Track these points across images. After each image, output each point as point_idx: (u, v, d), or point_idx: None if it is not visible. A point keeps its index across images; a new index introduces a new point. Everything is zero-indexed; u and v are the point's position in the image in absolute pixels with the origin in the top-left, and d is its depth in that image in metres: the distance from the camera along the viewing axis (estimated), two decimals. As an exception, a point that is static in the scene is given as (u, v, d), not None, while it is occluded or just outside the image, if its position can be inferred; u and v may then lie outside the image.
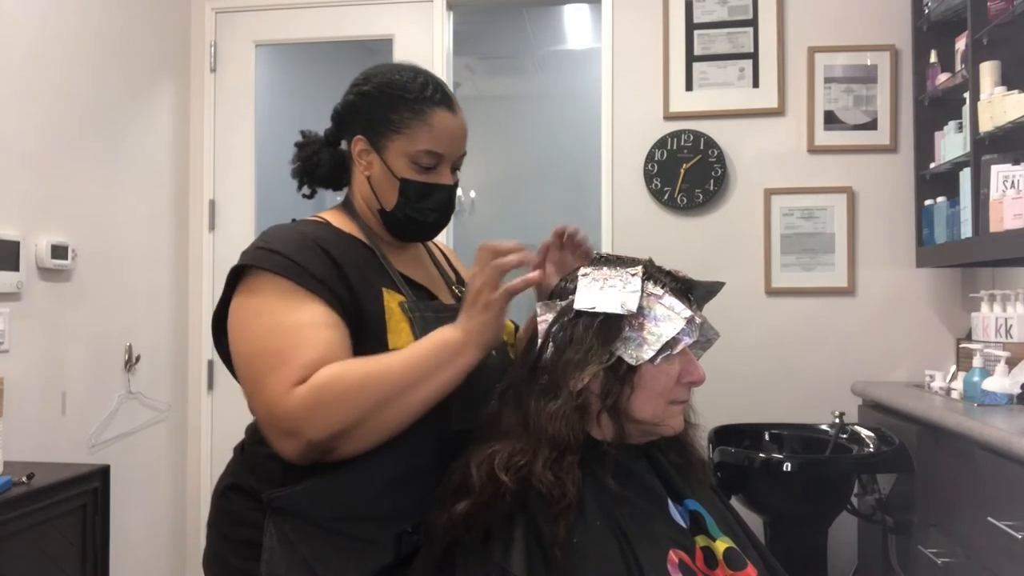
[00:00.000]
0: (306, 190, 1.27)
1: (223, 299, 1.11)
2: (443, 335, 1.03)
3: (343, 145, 1.25)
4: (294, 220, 1.20)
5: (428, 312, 1.14)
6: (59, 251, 2.25)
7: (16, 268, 2.12)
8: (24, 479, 1.75)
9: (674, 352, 1.00)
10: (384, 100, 1.15)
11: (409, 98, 1.14)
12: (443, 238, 3.03)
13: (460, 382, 1.03)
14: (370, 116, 1.17)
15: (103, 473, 1.97)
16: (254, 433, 1.15)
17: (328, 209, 1.24)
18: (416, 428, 1.05)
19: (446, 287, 1.29)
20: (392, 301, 1.12)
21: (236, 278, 1.09)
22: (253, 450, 1.14)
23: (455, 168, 1.21)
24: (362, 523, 1.06)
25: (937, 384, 2.23)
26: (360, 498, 1.06)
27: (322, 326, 1.03)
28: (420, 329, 1.10)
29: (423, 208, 1.17)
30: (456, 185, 1.22)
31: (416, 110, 1.14)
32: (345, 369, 0.99)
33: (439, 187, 1.17)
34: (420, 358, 1.01)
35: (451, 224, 2.93)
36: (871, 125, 2.67)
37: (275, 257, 1.06)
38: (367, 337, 1.07)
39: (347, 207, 1.23)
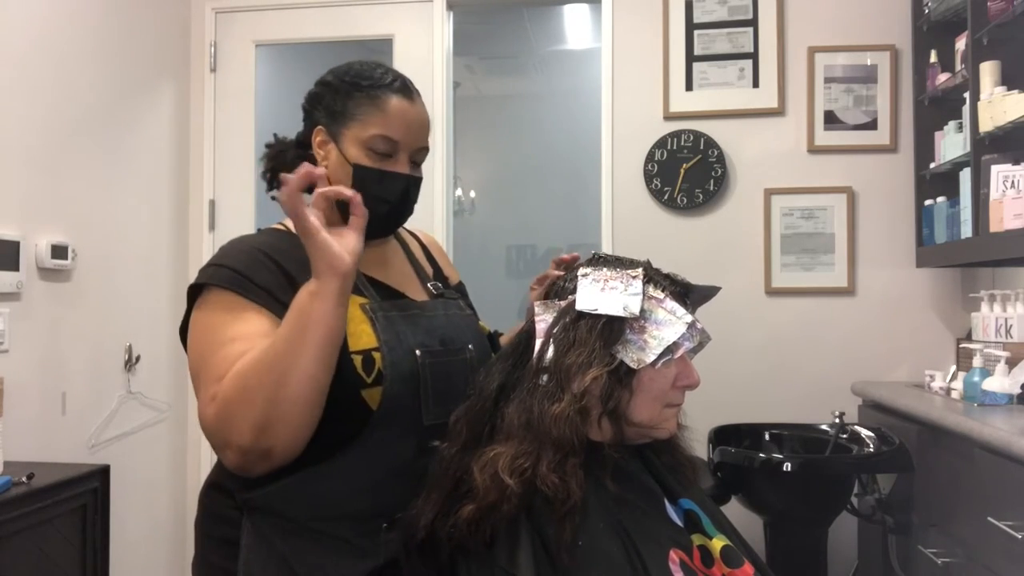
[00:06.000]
0: (276, 192, 1.26)
1: (185, 316, 1.11)
2: (302, 289, 0.99)
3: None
4: (259, 230, 1.20)
5: (393, 311, 1.12)
6: (59, 251, 2.25)
7: (16, 268, 2.11)
8: (24, 479, 1.75)
9: (675, 356, 1.00)
10: (341, 89, 1.15)
11: (364, 85, 1.13)
12: (441, 238, 3.04)
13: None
14: (329, 106, 1.16)
15: (103, 473, 1.97)
16: None
17: None
18: (388, 425, 1.05)
19: (419, 284, 1.26)
20: (354, 305, 1.09)
21: (195, 295, 1.09)
22: None
23: (416, 162, 1.18)
24: (340, 522, 1.06)
25: (937, 384, 2.23)
26: (336, 497, 1.05)
27: (256, 336, 1.01)
28: (382, 329, 1.09)
29: (376, 196, 1.11)
30: (417, 180, 1.18)
31: (371, 96, 1.13)
32: (240, 365, 0.97)
33: (393, 175, 1.13)
34: (291, 319, 0.97)
35: (451, 224, 2.96)
36: (871, 125, 2.67)
37: (222, 271, 1.07)
38: None
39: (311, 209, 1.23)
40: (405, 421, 1.07)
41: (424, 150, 1.18)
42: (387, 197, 1.14)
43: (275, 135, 1.28)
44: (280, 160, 1.24)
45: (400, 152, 1.14)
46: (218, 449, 0.99)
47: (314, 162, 1.18)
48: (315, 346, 0.96)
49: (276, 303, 1.05)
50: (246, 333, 1.02)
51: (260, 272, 1.07)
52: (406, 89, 1.15)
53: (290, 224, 1.19)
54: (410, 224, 1.30)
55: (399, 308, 1.14)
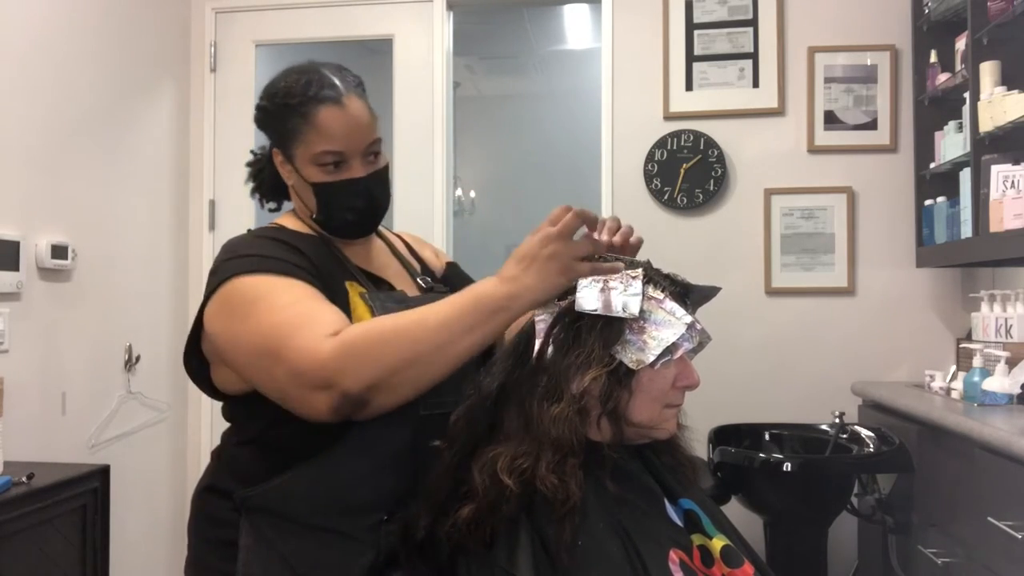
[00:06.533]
0: (271, 204, 1.29)
1: (198, 320, 1.09)
2: (484, 290, 0.97)
3: None
4: (249, 230, 1.21)
5: (390, 303, 1.12)
6: (59, 251, 2.25)
7: (16, 268, 2.11)
8: (24, 479, 1.75)
9: (674, 357, 1.00)
10: (276, 112, 1.14)
11: (294, 103, 1.11)
12: (441, 238, 3.04)
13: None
14: (274, 129, 1.17)
15: (103, 473, 1.97)
16: (230, 435, 1.17)
17: (283, 215, 1.25)
18: (384, 414, 1.04)
19: (409, 278, 1.27)
20: (354, 293, 1.12)
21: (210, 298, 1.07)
22: (229, 452, 1.16)
23: (373, 154, 1.17)
24: (340, 517, 1.06)
25: (937, 384, 2.23)
26: (335, 491, 1.06)
27: (321, 297, 1.03)
28: None
29: (340, 208, 1.15)
30: (379, 174, 1.18)
31: (302, 113, 1.11)
32: (379, 322, 0.98)
33: (350, 183, 1.14)
34: (466, 309, 0.96)
35: (451, 224, 2.96)
36: (871, 125, 2.66)
37: (245, 260, 1.06)
38: None
39: (296, 212, 1.24)
40: (401, 410, 1.07)
41: (375, 143, 1.16)
42: (352, 204, 1.16)
43: (252, 151, 1.29)
44: (259, 179, 1.26)
45: (349, 158, 1.14)
46: (312, 390, 0.95)
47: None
48: (469, 347, 0.97)
49: (308, 274, 1.06)
50: (308, 293, 1.02)
51: (279, 251, 1.08)
52: (335, 95, 1.11)
53: (284, 222, 1.21)
54: (399, 226, 1.30)
55: (394, 299, 1.15)
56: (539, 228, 0.99)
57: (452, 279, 1.34)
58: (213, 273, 1.09)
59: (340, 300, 1.09)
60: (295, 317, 0.98)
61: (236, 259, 1.07)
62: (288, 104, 1.12)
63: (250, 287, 1.03)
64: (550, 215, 0.99)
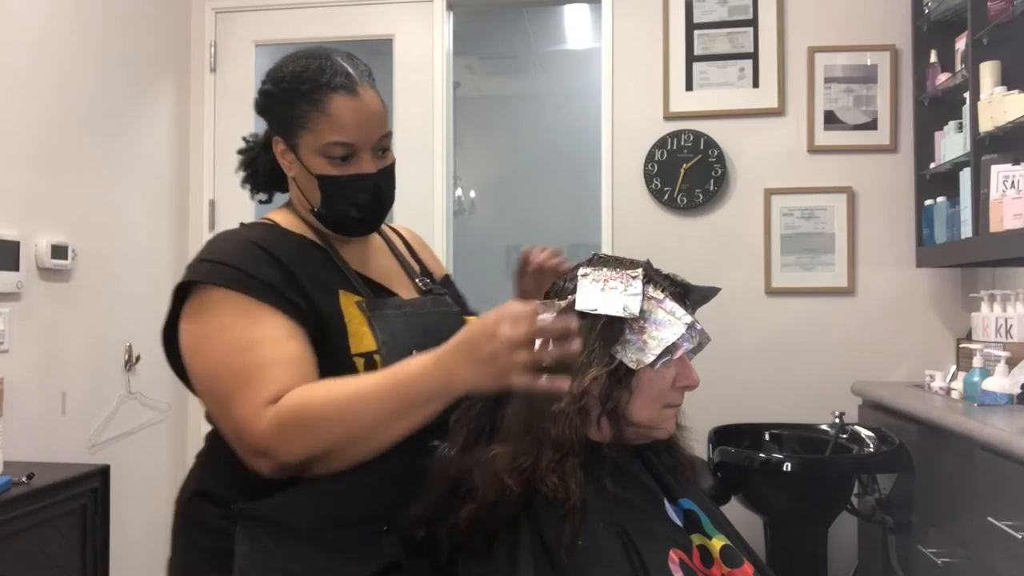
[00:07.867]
0: (262, 196, 1.24)
1: (170, 316, 1.06)
2: (418, 376, 0.93)
3: None
4: (242, 224, 1.15)
5: (388, 309, 1.10)
6: (59, 251, 2.25)
7: (16, 268, 2.12)
8: (24, 479, 1.75)
9: (674, 357, 1.00)
10: (283, 97, 1.08)
11: (304, 90, 1.06)
12: (441, 238, 3.03)
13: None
14: (277, 115, 1.11)
15: (103, 473, 1.97)
16: (217, 438, 1.12)
17: (277, 209, 1.19)
18: None
19: (408, 279, 1.23)
20: (349, 303, 1.08)
21: (183, 294, 1.04)
22: (218, 458, 1.10)
23: (382, 149, 1.12)
24: (339, 529, 1.04)
25: (937, 384, 2.23)
26: (335, 504, 1.04)
27: (282, 339, 0.99)
28: (380, 329, 1.07)
29: (345, 203, 1.10)
30: (387, 170, 1.13)
31: (313, 100, 1.05)
32: (315, 397, 0.95)
33: (358, 178, 1.09)
34: (395, 395, 0.94)
35: (451, 224, 2.96)
36: (871, 125, 2.66)
37: (221, 269, 1.02)
38: (328, 343, 1.04)
39: (292, 206, 1.18)
40: None
41: (386, 137, 1.12)
42: (358, 200, 1.11)
43: (244, 138, 1.25)
44: (254, 166, 1.22)
45: (360, 151, 1.09)
46: (253, 454, 0.96)
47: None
48: (403, 431, 0.95)
49: (286, 301, 1.01)
50: (269, 336, 0.99)
51: (262, 268, 1.03)
52: (349, 83, 1.06)
53: (278, 219, 1.16)
54: (394, 220, 1.28)
55: (393, 307, 1.12)
56: (493, 316, 0.90)
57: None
58: (199, 261, 1.05)
59: (333, 311, 1.06)
60: (246, 369, 0.96)
61: (219, 265, 1.03)
62: (298, 90, 1.06)
63: (220, 308, 1.01)
64: (508, 308, 0.90)
